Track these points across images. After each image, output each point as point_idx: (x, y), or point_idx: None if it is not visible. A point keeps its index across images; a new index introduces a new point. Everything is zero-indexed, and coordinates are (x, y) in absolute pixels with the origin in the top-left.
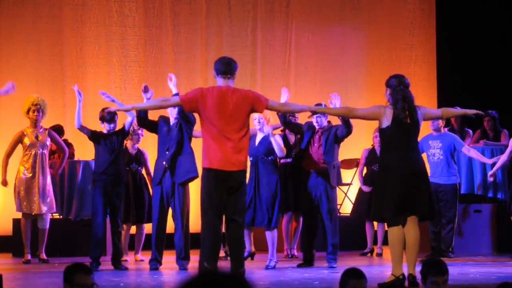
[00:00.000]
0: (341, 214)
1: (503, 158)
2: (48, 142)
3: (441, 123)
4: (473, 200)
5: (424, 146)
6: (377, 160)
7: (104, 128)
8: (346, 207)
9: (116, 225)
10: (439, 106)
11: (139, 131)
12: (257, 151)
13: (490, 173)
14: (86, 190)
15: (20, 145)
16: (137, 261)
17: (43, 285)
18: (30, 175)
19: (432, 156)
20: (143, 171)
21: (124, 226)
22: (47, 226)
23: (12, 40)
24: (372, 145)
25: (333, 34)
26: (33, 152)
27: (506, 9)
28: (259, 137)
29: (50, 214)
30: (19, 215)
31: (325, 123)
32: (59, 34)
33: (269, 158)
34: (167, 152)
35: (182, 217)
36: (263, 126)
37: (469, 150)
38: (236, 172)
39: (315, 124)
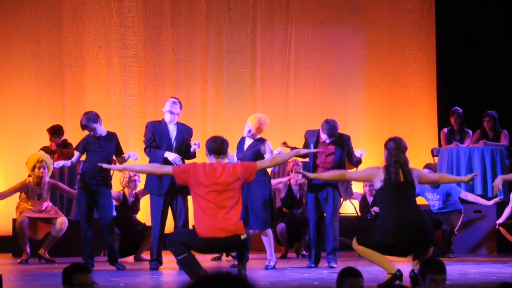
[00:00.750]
0: (341, 215)
1: (507, 210)
2: (47, 196)
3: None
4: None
5: (420, 195)
6: (369, 209)
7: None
8: (345, 208)
9: (108, 223)
10: (439, 107)
11: (136, 177)
12: (245, 156)
13: (498, 221)
14: None
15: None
16: (137, 261)
17: (43, 286)
18: (32, 212)
19: (432, 206)
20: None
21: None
22: (60, 235)
23: (11, 40)
24: (364, 192)
25: (333, 34)
26: (31, 204)
27: (506, 9)
28: (247, 142)
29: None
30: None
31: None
32: (58, 34)
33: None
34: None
35: (185, 216)
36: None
37: (467, 195)
38: (230, 237)
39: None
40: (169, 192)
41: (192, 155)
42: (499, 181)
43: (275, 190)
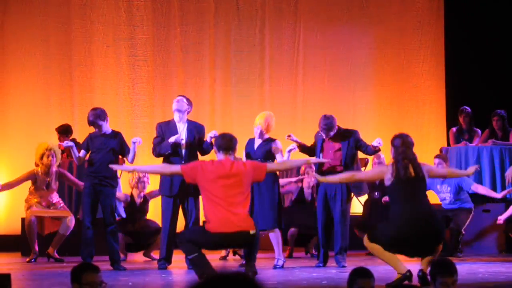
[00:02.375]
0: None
1: (511, 209)
2: (55, 187)
3: None
4: (482, 199)
5: (431, 187)
6: (376, 188)
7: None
8: (354, 207)
9: (110, 224)
10: (447, 105)
11: (145, 179)
12: (256, 156)
13: (499, 218)
14: None
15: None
16: (146, 257)
17: (51, 285)
18: (41, 207)
19: (443, 200)
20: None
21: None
22: (67, 233)
23: (20, 40)
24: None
25: (341, 33)
26: (39, 194)
27: None
28: (257, 143)
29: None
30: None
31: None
32: (67, 34)
33: (268, 161)
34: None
35: (196, 216)
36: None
37: (477, 188)
38: (239, 232)
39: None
40: (180, 193)
41: (207, 150)
42: (510, 172)
43: (286, 193)
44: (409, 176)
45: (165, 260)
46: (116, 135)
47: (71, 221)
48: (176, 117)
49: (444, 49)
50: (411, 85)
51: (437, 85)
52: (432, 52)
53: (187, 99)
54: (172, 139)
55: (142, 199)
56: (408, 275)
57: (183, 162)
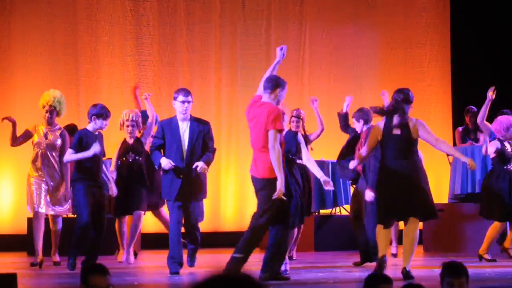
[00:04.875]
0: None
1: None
2: (59, 142)
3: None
4: None
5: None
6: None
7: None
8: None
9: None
10: (453, 105)
11: (130, 122)
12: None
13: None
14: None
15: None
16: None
17: (57, 285)
18: (36, 175)
19: None
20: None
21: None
22: (59, 227)
23: (26, 39)
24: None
25: (347, 33)
26: (39, 152)
27: None
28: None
29: (65, 215)
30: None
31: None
32: (73, 33)
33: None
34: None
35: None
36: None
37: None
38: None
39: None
40: (180, 195)
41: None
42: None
43: None
44: (395, 132)
45: (178, 263)
46: (100, 137)
47: (57, 216)
48: (180, 116)
49: (450, 48)
50: (417, 84)
51: (443, 85)
52: (438, 52)
53: (190, 95)
54: (163, 163)
55: (134, 139)
56: (383, 259)
57: (184, 164)
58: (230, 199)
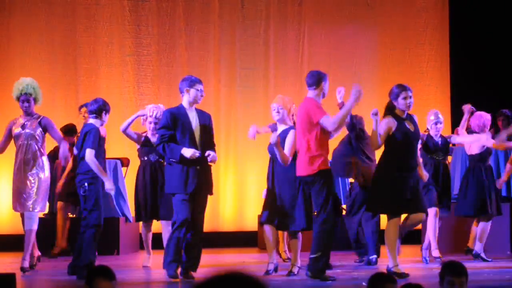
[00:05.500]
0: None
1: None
2: (39, 132)
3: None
4: None
5: None
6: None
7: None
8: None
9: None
10: (452, 105)
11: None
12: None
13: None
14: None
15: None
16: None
17: (55, 285)
18: (17, 169)
19: None
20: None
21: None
22: (32, 227)
23: (25, 39)
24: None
25: (346, 33)
26: (19, 144)
27: None
28: (280, 129)
29: (42, 214)
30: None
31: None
32: (72, 33)
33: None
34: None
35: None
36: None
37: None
38: None
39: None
40: (197, 190)
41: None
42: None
43: None
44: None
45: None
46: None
47: (32, 214)
48: (191, 104)
49: (449, 49)
50: (416, 84)
51: (442, 85)
52: (437, 52)
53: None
54: (187, 155)
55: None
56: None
57: (200, 149)
58: (229, 199)
